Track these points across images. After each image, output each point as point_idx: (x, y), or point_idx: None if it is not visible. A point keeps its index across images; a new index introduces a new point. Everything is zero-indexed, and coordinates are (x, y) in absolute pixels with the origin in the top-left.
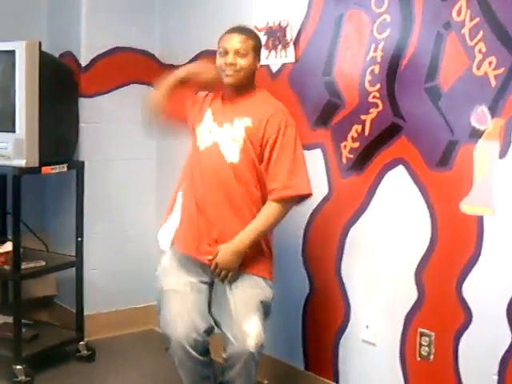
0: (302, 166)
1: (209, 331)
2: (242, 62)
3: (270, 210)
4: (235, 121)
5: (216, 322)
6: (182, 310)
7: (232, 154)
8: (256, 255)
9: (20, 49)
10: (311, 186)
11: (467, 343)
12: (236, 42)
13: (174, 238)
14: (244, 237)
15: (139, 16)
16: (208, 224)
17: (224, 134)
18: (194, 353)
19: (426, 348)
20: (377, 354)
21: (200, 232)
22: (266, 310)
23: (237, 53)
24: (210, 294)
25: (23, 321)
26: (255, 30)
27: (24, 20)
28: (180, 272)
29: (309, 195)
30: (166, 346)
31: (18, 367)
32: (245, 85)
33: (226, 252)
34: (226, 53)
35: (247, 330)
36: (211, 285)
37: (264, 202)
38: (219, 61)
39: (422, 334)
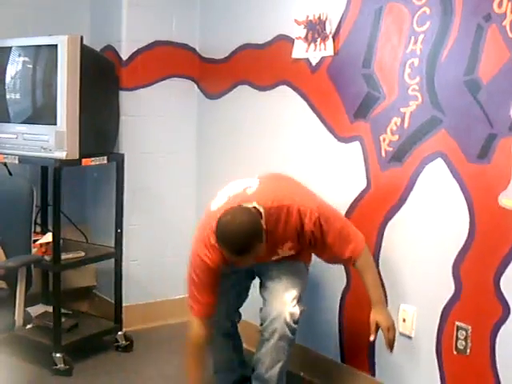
0: (349, 227)
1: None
2: (250, 260)
3: (364, 261)
4: (279, 251)
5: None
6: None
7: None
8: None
9: (62, 43)
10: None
11: (504, 337)
12: (237, 259)
13: None
14: (378, 293)
15: (179, 10)
16: None
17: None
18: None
19: (463, 342)
20: (413, 347)
21: None
22: (304, 283)
23: (241, 261)
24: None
25: (63, 310)
26: (243, 224)
27: (67, 15)
28: None
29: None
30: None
31: (58, 355)
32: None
33: (385, 315)
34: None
35: (286, 299)
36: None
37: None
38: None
39: (458, 328)
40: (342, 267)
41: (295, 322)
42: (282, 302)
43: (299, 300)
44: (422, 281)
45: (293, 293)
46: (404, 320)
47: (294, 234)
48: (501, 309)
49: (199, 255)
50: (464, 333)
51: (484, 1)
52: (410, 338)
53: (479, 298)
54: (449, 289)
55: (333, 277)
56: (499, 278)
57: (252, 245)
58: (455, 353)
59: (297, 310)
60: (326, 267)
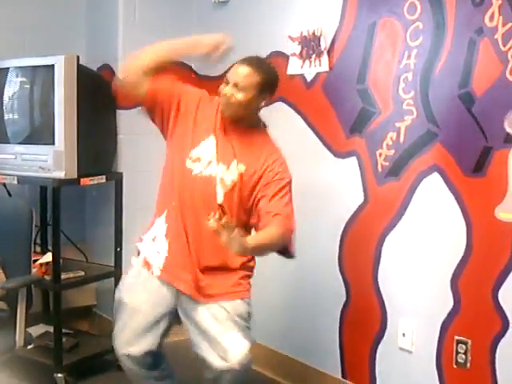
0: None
1: (152, 354)
2: (238, 96)
3: (274, 228)
4: (232, 164)
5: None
6: (130, 327)
7: (219, 194)
8: (232, 283)
9: (59, 63)
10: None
11: (504, 350)
12: (240, 73)
13: (164, 266)
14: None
15: (175, 28)
16: (198, 253)
17: (219, 173)
18: (135, 368)
19: (463, 356)
20: (413, 361)
21: (188, 260)
22: (246, 321)
23: (235, 85)
24: (173, 322)
25: (64, 330)
26: (270, 67)
27: (63, 35)
28: (144, 291)
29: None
30: None
31: (59, 375)
32: (243, 121)
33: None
34: (227, 82)
35: (226, 345)
36: (177, 315)
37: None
38: (220, 87)
39: (458, 342)
40: (342, 283)
41: (247, 360)
42: (224, 348)
43: (245, 338)
44: (420, 295)
45: (233, 334)
46: (404, 334)
47: (255, 165)
48: (500, 322)
49: None
50: (464, 346)
51: (476, 14)
52: (411, 352)
53: (478, 311)
54: (448, 303)
55: (333, 292)
56: (497, 291)
57: (265, 74)
58: (455, 367)
59: (245, 353)
60: (324, 283)
